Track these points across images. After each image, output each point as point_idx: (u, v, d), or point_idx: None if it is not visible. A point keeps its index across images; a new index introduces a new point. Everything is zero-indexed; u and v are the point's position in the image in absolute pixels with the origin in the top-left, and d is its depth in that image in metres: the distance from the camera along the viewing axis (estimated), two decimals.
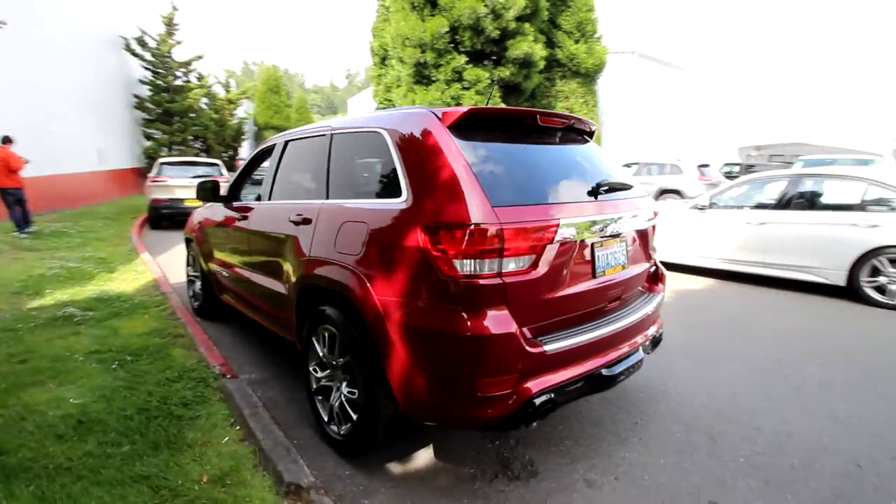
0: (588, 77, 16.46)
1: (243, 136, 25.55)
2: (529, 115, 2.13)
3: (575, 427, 2.49)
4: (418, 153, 1.94)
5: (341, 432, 2.21)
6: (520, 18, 13.43)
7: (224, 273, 3.64)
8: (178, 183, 9.61)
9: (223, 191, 3.76)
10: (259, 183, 3.45)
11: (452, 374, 1.75)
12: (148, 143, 15.72)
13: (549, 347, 1.82)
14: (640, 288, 2.50)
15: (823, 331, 4.04)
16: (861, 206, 4.80)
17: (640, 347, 2.27)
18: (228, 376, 2.91)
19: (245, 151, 25.41)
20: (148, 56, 15.53)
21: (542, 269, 1.83)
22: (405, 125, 2.05)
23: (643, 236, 2.41)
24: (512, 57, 13.59)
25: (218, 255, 3.78)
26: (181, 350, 3.35)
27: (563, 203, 1.97)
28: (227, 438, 2.28)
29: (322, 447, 2.30)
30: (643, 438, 2.39)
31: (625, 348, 2.15)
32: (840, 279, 4.83)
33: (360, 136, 2.32)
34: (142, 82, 15.55)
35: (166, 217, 9.79)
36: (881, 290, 4.63)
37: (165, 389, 2.71)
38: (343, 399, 2.18)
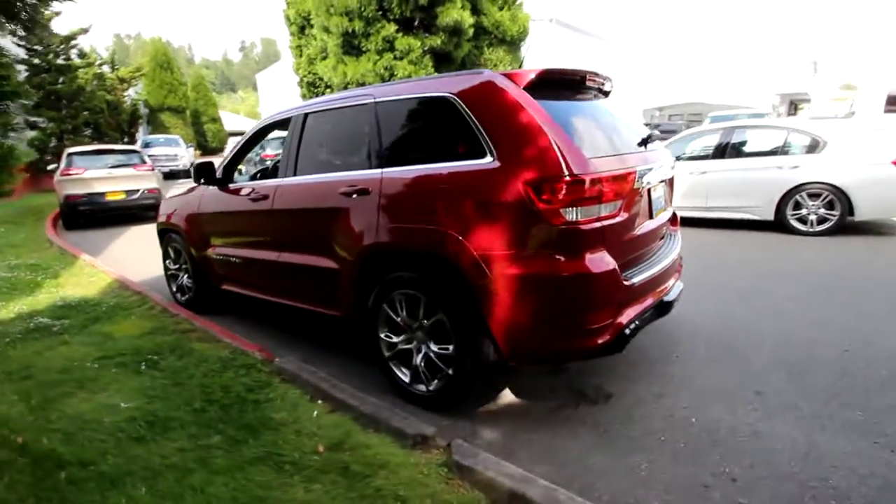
0: (513, 45, 16.83)
1: (140, 120, 23.02)
2: (582, 74, 2.31)
3: (619, 355, 2.82)
4: (502, 115, 2.03)
5: (431, 389, 2.32)
6: None
7: (232, 259, 3.45)
8: (94, 175, 8.54)
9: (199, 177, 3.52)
10: (251, 163, 3.29)
11: (565, 311, 1.93)
12: (33, 133, 13.59)
13: (633, 280, 2.07)
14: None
15: (769, 259, 4.80)
16: (784, 151, 5.65)
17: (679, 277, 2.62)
18: (276, 360, 2.85)
19: (142, 136, 22.97)
20: (20, 30, 13.19)
21: (625, 212, 2.06)
22: (479, 90, 2.12)
23: (671, 182, 2.73)
24: (442, 25, 13.48)
25: (221, 241, 3.56)
26: (203, 343, 3.18)
27: (628, 153, 2.19)
28: (315, 413, 2.28)
29: (407, 407, 2.40)
30: (680, 356, 2.78)
31: (673, 278, 2.48)
32: (769, 214, 5.69)
33: (418, 103, 2.34)
34: (16, 62, 13.24)
35: (84, 214, 8.69)
36: (803, 220, 5.54)
37: (218, 380, 2.61)
38: (433, 356, 2.28)
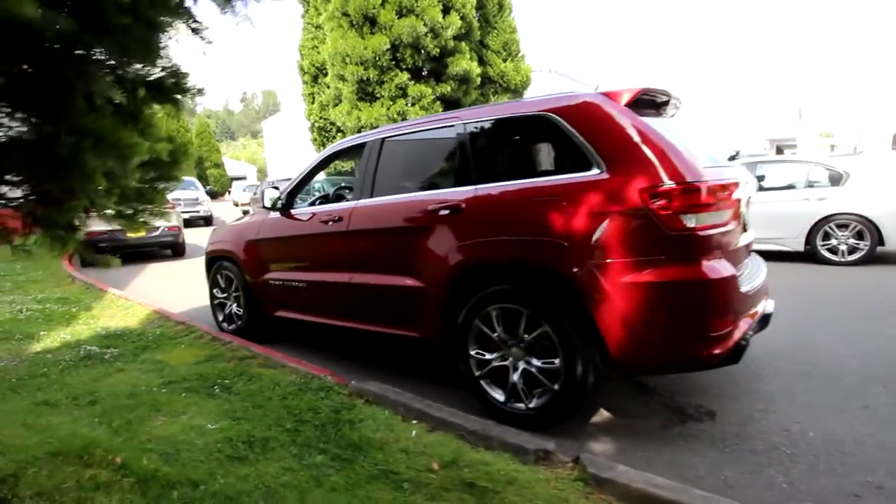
0: (517, 93, 17.61)
1: None
2: (668, 94, 2.43)
3: (704, 375, 2.77)
4: (609, 129, 2.11)
5: (531, 406, 2.26)
6: (457, 37, 14.06)
7: (294, 284, 3.42)
8: None
9: (268, 203, 3.57)
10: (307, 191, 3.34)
11: (687, 318, 1.93)
12: None
13: (745, 289, 2.08)
14: None
15: (811, 285, 4.84)
16: (809, 184, 5.83)
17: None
18: (352, 383, 2.76)
19: None
20: None
21: (731, 221, 2.10)
22: (581, 108, 2.21)
23: (748, 199, 2.81)
24: (452, 73, 14.15)
25: (282, 266, 3.54)
26: (268, 369, 3.09)
27: (724, 167, 2.27)
28: (414, 432, 2.19)
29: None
30: (769, 374, 2.74)
31: (766, 293, 2.49)
32: (799, 245, 5.79)
33: (512, 122, 2.42)
34: None
35: (104, 252, 8.63)
36: (833, 251, 5.64)
37: (300, 402, 2.51)
38: (534, 372, 2.23)
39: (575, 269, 2.04)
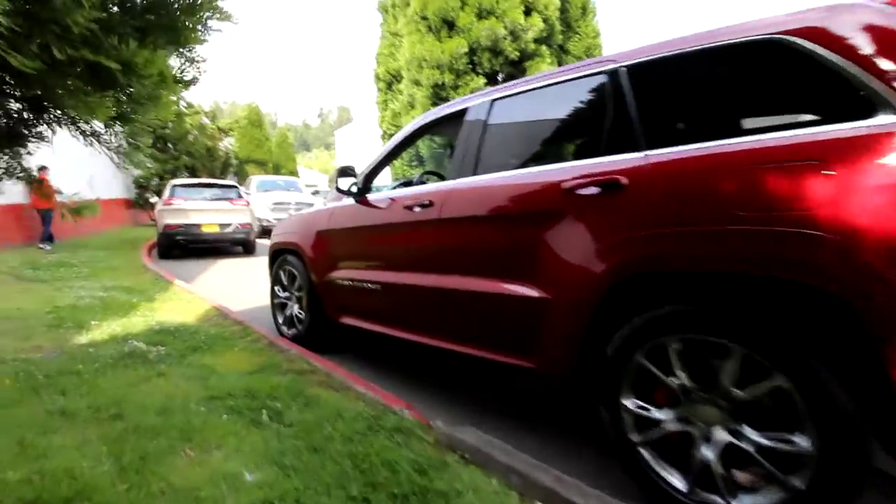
0: None
1: (231, 168, 24.70)
2: None
3: None
4: None
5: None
6: (537, 41, 13.34)
7: (366, 285, 2.76)
8: (193, 206, 8.60)
9: (343, 185, 2.95)
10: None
11: None
12: (138, 172, 14.55)
13: None
14: None
15: None
16: None
17: None
18: (436, 424, 2.01)
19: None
20: None
21: None
22: (852, 23, 1.35)
23: None
24: None
25: (353, 263, 2.91)
26: (329, 391, 2.42)
27: None
28: None
29: None
30: None
31: None
32: None
33: (717, 56, 1.59)
34: None
35: (180, 245, 8.70)
36: None
37: (370, 448, 1.79)
38: (751, 451, 1.36)
39: (858, 286, 1.17)
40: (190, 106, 17.20)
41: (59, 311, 3.96)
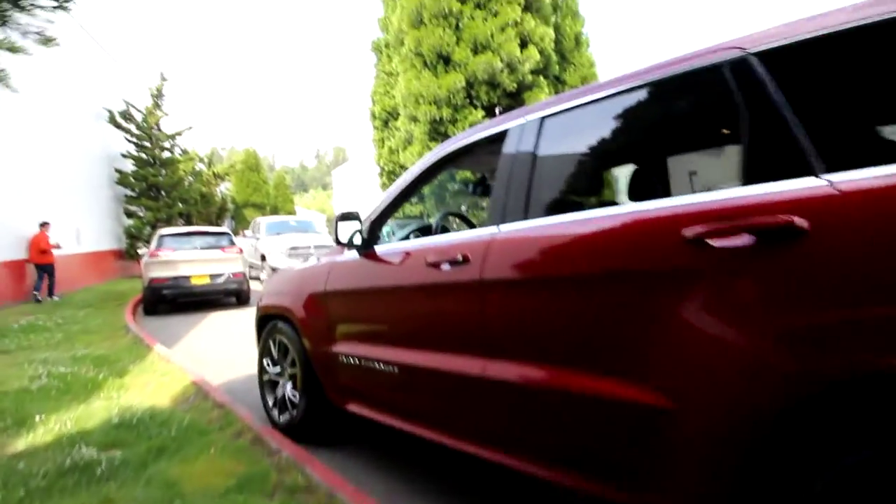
0: None
1: (227, 213, 24.37)
2: None
3: None
4: None
5: None
6: (534, 72, 13.18)
7: (378, 366, 2.11)
8: (182, 257, 8.01)
9: (344, 234, 2.36)
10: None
11: None
12: (130, 222, 14.07)
13: None
14: None
15: None
16: None
17: None
18: None
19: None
20: (133, 129, 14.35)
21: None
22: None
23: None
24: None
25: (359, 334, 2.28)
26: None
27: None
28: None
29: None
30: None
31: None
32: None
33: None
34: (125, 156, 14.21)
35: (167, 300, 8.06)
36: None
37: None
38: None
39: None
40: (185, 152, 16.97)
41: (6, 400, 3.27)
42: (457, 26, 12.75)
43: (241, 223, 29.83)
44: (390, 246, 2.20)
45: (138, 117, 14.56)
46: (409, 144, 14.50)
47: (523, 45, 12.78)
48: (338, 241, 2.29)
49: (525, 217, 1.61)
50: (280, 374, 2.86)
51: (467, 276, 1.69)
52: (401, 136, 14.88)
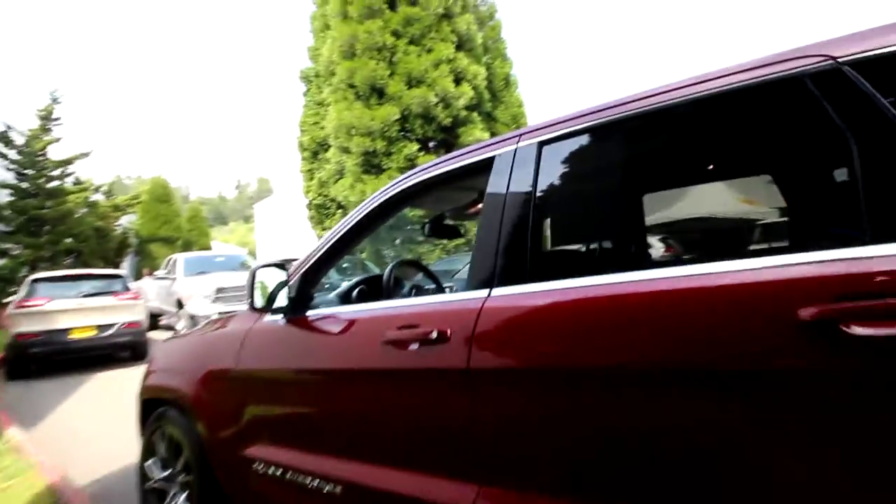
0: None
1: (128, 249, 21.90)
2: None
3: None
4: None
5: None
6: (468, 108, 13.29)
7: (314, 483, 1.48)
8: (59, 307, 6.61)
9: (257, 298, 1.76)
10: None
11: None
12: (2, 262, 11.84)
13: None
14: None
15: None
16: None
17: None
18: None
19: (126, 267, 21.35)
20: (13, 155, 12.31)
21: None
22: None
23: None
24: (464, 144, 13.19)
25: (284, 435, 1.64)
26: None
27: None
28: None
29: None
30: None
31: None
32: None
33: None
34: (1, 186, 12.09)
35: (37, 359, 6.56)
36: None
37: None
38: None
39: None
40: (78, 182, 14.92)
41: None
42: (391, 60, 12.60)
43: (146, 260, 26.81)
44: (330, 310, 1.63)
45: (19, 142, 12.55)
46: (340, 177, 13.86)
47: (457, 81, 12.89)
48: (252, 308, 1.67)
49: (529, 277, 1.14)
50: (169, 481, 2.08)
51: (447, 362, 1.17)
52: (332, 167, 14.22)
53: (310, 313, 1.65)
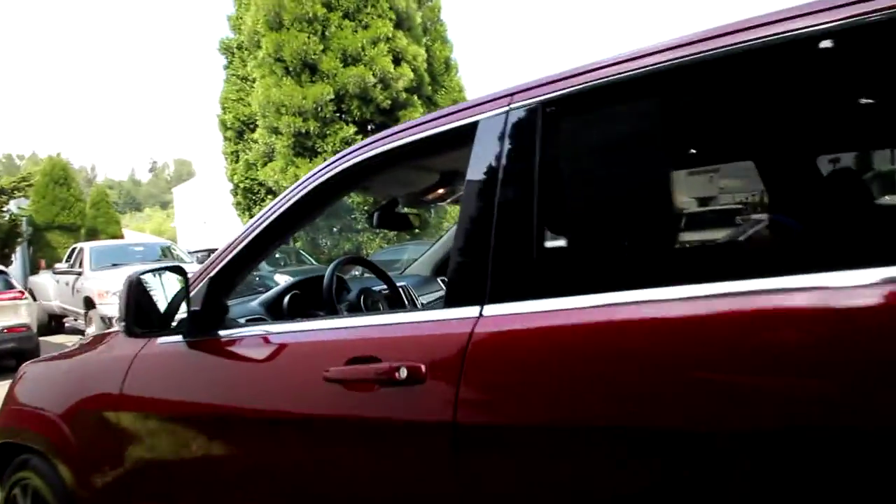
0: None
1: (19, 240, 19.40)
2: None
3: None
4: None
5: None
6: (408, 90, 12.75)
7: None
8: None
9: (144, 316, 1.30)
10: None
11: None
12: None
13: None
14: None
15: None
16: None
17: None
18: None
19: (18, 259, 18.73)
20: None
21: None
22: None
23: None
24: None
25: (185, 495, 1.20)
26: None
27: None
28: None
29: None
30: None
31: None
32: None
33: None
34: None
35: None
36: None
37: None
38: None
39: None
40: None
41: None
42: (323, 34, 11.72)
43: (43, 251, 23.58)
44: (250, 330, 1.21)
45: None
46: (270, 159, 12.82)
47: (396, 62, 12.30)
48: (131, 331, 1.20)
49: (540, 291, 0.81)
50: None
51: (421, 413, 0.82)
52: (259, 149, 13.11)
53: (222, 333, 1.22)
